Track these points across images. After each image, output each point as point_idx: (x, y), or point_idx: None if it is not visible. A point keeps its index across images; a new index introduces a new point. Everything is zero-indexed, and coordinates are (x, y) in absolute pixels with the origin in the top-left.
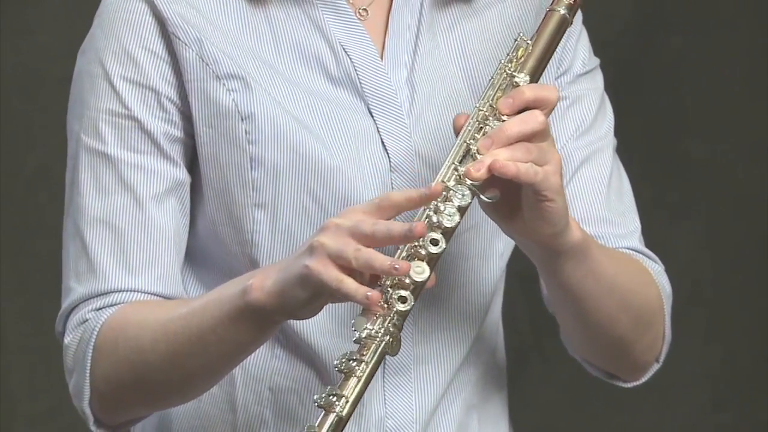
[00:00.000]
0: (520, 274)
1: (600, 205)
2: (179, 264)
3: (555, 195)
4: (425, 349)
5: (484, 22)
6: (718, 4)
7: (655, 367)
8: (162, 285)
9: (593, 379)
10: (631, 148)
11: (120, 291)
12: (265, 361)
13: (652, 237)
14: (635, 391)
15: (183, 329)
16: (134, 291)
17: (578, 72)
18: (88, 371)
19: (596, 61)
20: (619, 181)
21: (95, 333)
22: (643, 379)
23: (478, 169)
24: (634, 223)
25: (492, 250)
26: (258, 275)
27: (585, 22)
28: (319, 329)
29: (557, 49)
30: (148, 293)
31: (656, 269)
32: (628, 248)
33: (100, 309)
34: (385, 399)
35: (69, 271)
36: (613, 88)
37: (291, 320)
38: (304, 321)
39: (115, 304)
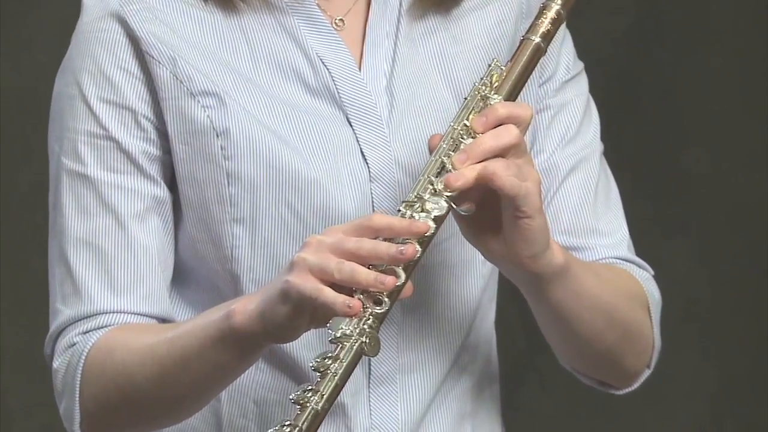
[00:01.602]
0: (513, 288)
1: (587, 215)
2: (165, 282)
3: (535, 213)
4: (410, 358)
5: (462, 27)
6: (713, 18)
7: (647, 373)
8: (148, 304)
9: (589, 392)
10: (625, 163)
11: (106, 313)
12: (249, 375)
13: (646, 252)
14: (631, 405)
15: (168, 352)
16: (120, 312)
17: (563, 79)
18: (77, 395)
19: (580, 65)
20: (607, 187)
21: (83, 357)
22: (635, 385)
23: (457, 179)
24: (621, 230)
25: (474, 256)
26: (242, 300)
27: (577, 36)
28: (303, 342)
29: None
30: (135, 313)
31: (644, 276)
32: (615, 258)
33: (87, 332)
34: (370, 409)
35: (55, 293)
36: (607, 102)
37: None
38: None
39: (102, 327)
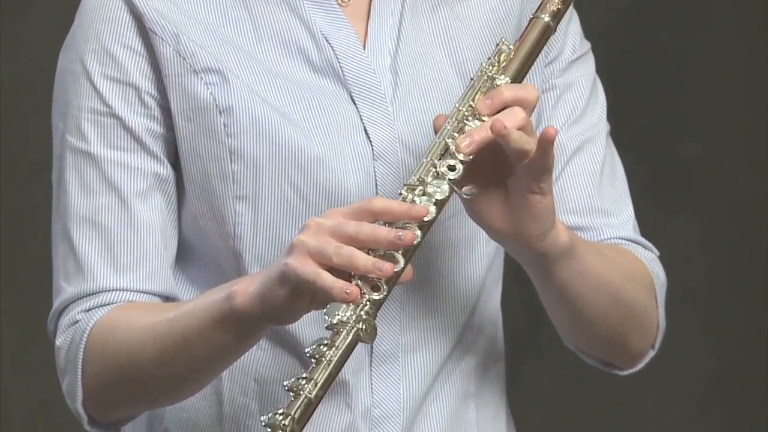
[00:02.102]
0: (516, 266)
1: (593, 195)
2: (169, 260)
3: (548, 190)
4: (413, 337)
5: (467, 6)
6: None
7: (651, 353)
8: (151, 282)
9: (589, 369)
10: (625, 145)
11: (109, 290)
12: (251, 353)
13: (647, 231)
14: (632, 386)
15: (169, 332)
16: (123, 290)
17: (569, 58)
18: (79, 372)
19: (587, 45)
20: (612, 167)
21: (86, 335)
22: (640, 366)
23: (468, 144)
24: (627, 210)
25: (478, 235)
26: (243, 281)
27: (580, 16)
28: (305, 321)
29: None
30: (138, 291)
31: (649, 257)
32: (621, 238)
33: (90, 310)
34: (372, 388)
35: (58, 270)
36: (607, 85)
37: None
38: None
39: (105, 304)
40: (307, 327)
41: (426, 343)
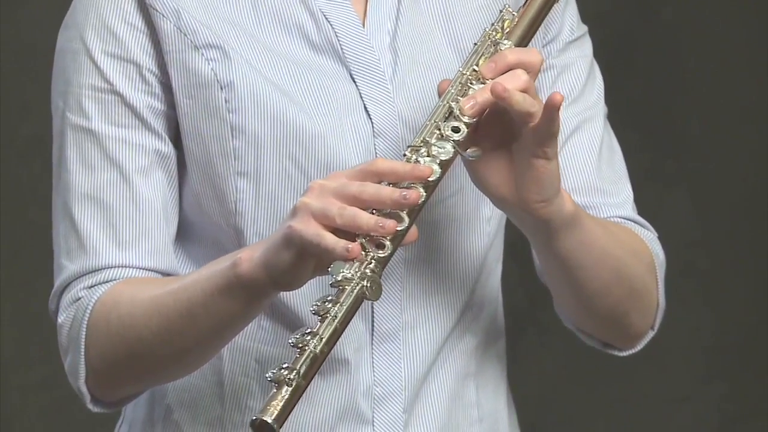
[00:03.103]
0: (514, 244)
1: (591, 174)
2: (170, 237)
3: (553, 155)
4: (414, 315)
5: None
6: None
7: (651, 334)
8: (153, 259)
9: (589, 349)
10: (625, 118)
11: (111, 267)
12: (251, 333)
13: (646, 207)
14: (630, 361)
15: (174, 303)
16: (125, 266)
17: (567, 39)
18: (82, 350)
19: (584, 27)
20: (610, 148)
21: (88, 311)
22: (639, 347)
23: (472, 106)
24: (626, 190)
25: (478, 214)
26: (248, 248)
27: None
28: (305, 297)
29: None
30: (140, 268)
31: (649, 237)
32: (620, 217)
33: (93, 286)
34: (373, 366)
35: (60, 248)
36: (607, 59)
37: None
38: None
39: (108, 281)
40: (308, 306)
41: (427, 322)
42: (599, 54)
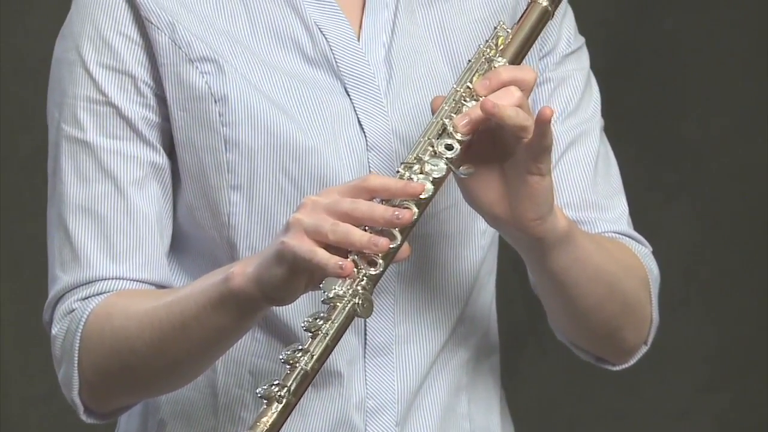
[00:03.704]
0: (515, 255)
1: (587, 189)
2: (164, 249)
3: (547, 171)
4: (407, 329)
5: (463, 1)
6: None
7: (644, 349)
8: (147, 271)
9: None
10: (626, 128)
11: (105, 279)
12: (245, 345)
13: (647, 217)
14: (632, 372)
15: (167, 316)
16: (119, 278)
17: (564, 52)
18: (76, 361)
19: (581, 39)
20: (607, 162)
21: (82, 323)
22: (632, 362)
23: (465, 124)
24: (621, 205)
25: (473, 228)
26: (241, 262)
27: (580, 2)
28: (301, 310)
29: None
30: (134, 280)
31: (643, 252)
32: (615, 232)
33: (86, 298)
34: (366, 379)
35: (54, 259)
36: (607, 69)
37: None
38: None
39: (101, 293)
40: (301, 319)
41: (420, 336)
42: (601, 63)
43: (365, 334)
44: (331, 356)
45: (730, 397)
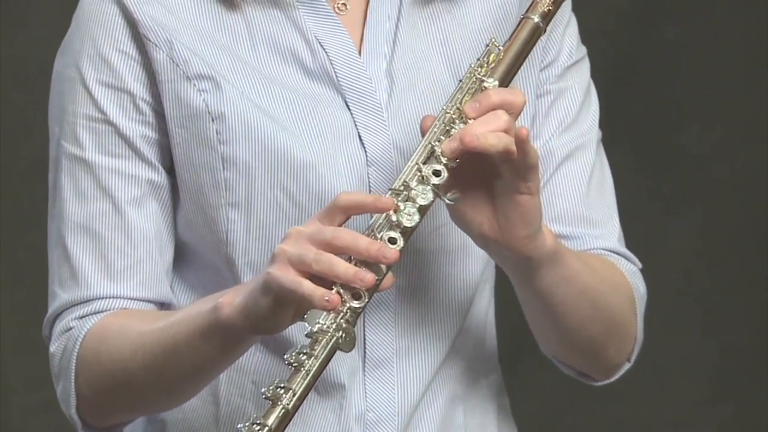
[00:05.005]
0: None
1: (579, 203)
2: (164, 266)
3: (536, 190)
4: (408, 343)
5: (466, 12)
6: None
7: (627, 366)
8: (145, 289)
9: None
10: (626, 139)
11: (103, 298)
12: (248, 355)
13: (647, 229)
14: (632, 384)
15: (159, 341)
16: (117, 297)
17: (565, 64)
18: (73, 379)
19: (583, 50)
20: (601, 176)
21: (78, 342)
22: (614, 378)
23: (453, 149)
24: (613, 221)
25: (472, 242)
26: (230, 292)
27: (581, 11)
28: (301, 325)
29: (539, 46)
30: (132, 299)
31: (631, 270)
32: (604, 249)
33: (84, 317)
34: (365, 392)
35: (53, 275)
36: (608, 79)
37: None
38: None
39: (99, 312)
40: (304, 330)
41: (421, 349)
42: (601, 72)
43: (364, 347)
44: (332, 367)
45: (731, 408)
